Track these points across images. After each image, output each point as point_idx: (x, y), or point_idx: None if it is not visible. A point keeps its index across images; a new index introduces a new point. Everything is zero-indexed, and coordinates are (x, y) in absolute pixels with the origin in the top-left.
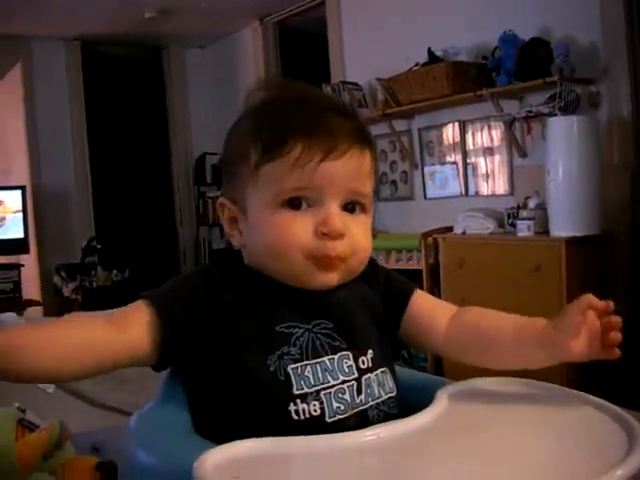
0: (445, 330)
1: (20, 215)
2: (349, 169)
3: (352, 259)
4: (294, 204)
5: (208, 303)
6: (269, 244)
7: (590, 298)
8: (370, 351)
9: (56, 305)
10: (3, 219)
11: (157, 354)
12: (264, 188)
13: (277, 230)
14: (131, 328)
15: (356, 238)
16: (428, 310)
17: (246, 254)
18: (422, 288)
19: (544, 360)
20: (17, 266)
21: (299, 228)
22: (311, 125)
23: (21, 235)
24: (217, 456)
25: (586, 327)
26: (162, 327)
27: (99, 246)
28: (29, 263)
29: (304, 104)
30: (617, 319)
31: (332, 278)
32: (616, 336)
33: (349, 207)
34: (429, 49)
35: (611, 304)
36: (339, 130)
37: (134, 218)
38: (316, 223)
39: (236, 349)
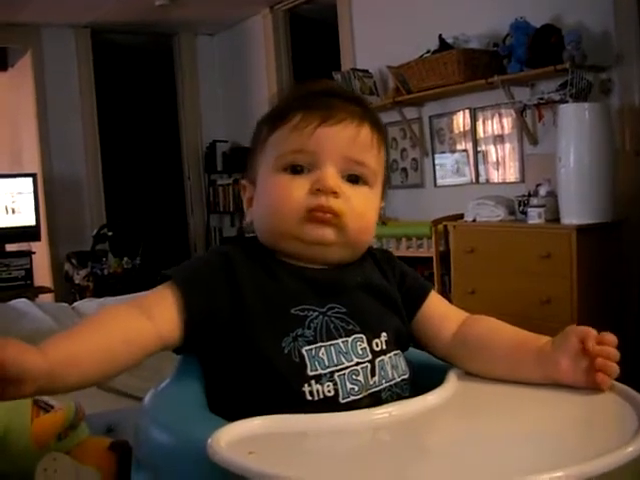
0: (451, 338)
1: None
2: (345, 135)
3: (348, 220)
4: (296, 170)
5: (226, 284)
6: (268, 204)
7: (590, 331)
8: (384, 334)
9: (67, 292)
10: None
11: (183, 335)
12: (269, 155)
13: (276, 191)
14: (161, 313)
15: (353, 203)
16: (439, 316)
17: (255, 228)
18: (433, 275)
19: (538, 376)
20: (29, 253)
21: (295, 188)
22: (313, 101)
23: (32, 223)
24: (231, 432)
25: (590, 356)
26: (186, 308)
27: (110, 233)
28: (40, 250)
29: (311, 90)
30: (614, 351)
31: (327, 233)
32: (604, 363)
33: (352, 178)
34: (440, 36)
35: (613, 338)
36: (338, 105)
37: (145, 206)
38: (312, 183)
39: (251, 330)
